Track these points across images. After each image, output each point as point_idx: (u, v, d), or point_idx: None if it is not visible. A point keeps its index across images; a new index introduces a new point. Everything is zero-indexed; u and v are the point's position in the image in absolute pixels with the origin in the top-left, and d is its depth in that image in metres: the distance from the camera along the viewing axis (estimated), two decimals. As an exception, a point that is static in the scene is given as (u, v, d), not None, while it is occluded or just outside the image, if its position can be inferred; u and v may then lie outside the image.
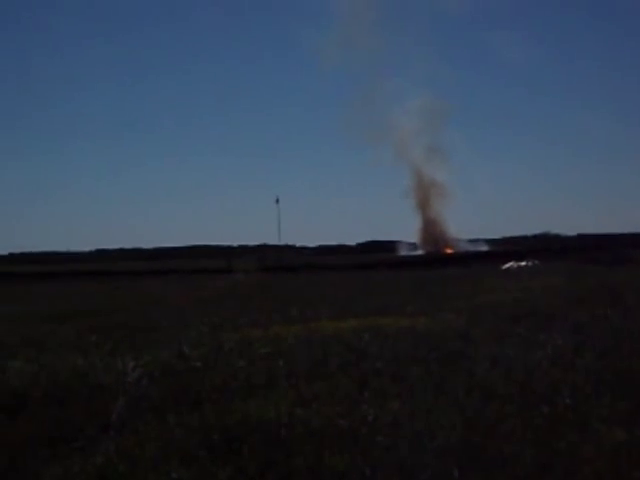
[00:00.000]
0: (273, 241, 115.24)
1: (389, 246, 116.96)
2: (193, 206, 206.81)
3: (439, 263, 67.53)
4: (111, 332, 18.47)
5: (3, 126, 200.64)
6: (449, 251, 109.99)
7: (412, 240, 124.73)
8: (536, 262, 59.79)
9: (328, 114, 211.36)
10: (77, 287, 51.88)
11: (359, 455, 7.16)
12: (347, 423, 8.17)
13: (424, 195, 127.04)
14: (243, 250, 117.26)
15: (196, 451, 7.53)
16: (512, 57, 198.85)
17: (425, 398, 9.27)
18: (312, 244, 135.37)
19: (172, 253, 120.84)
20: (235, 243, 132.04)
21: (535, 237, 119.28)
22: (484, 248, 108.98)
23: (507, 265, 57.52)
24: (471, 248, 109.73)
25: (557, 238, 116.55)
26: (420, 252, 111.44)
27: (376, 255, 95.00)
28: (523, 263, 59.36)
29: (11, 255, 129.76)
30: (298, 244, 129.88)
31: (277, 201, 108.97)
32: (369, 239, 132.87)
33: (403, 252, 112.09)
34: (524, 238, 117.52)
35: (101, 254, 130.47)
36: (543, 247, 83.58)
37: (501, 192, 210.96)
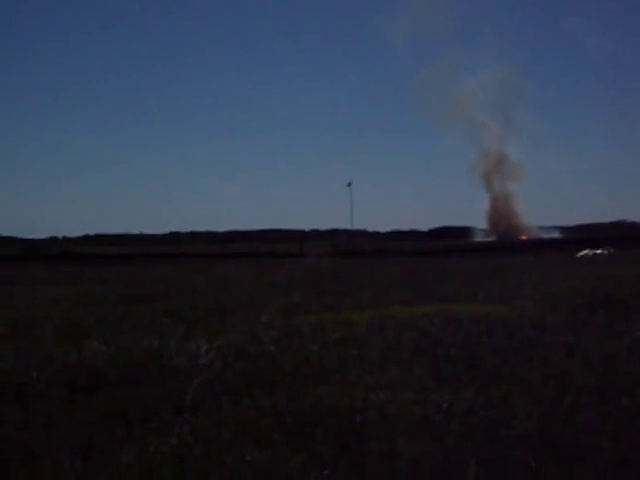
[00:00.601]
0: (345, 226, 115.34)
1: (460, 232, 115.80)
2: (266, 190, 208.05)
3: (513, 250, 66.66)
4: (184, 315, 18.66)
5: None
6: (523, 238, 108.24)
7: (483, 226, 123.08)
8: (612, 250, 58.67)
9: (402, 98, 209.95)
10: (151, 269, 52.65)
11: (433, 442, 7.09)
12: (421, 410, 8.10)
13: (492, 171, 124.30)
14: (315, 234, 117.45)
15: (270, 434, 7.54)
16: (591, 44, 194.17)
17: (500, 386, 9.13)
18: (384, 229, 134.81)
19: (245, 236, 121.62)
20: (307, 227, 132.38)
21: (611, 225, 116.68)
22: (556, 235, 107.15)
23: (582, 253, 56.56)
24: (543, 235, 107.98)
25: (634, 226, 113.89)
26: (492, 238, 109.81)
27: (447, 241, 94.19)
28: (599, 251, 58.31)
29: (86, 237, 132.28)
30: (370, 229, 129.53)
31: (349, 185, 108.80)
32: (441, 225, 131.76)
33: (476, 238, 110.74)
34: (599, 225, 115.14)
35: (174, 236, 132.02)
36: (619, 235, 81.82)
37: (576, 179, 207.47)
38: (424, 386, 9.34)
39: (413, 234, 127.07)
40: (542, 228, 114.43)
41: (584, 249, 58.33)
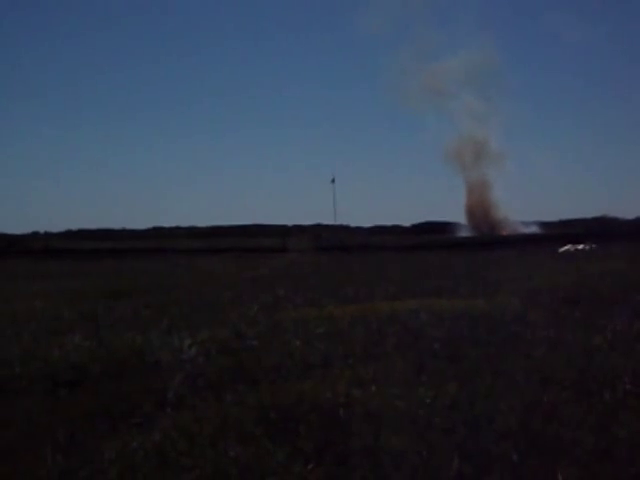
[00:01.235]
0: (328, 221, 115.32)
1: (444, 227, 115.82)
2: (249, 185, 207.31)
3: (493, 245, 66.87)
4: (167, 310, 18.62)
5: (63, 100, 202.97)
6: (503, 233, 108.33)
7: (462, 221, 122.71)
8: (594, 246, 58.95)
9: (382, 90, 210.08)
10: (134, 264, 52.51)
11: (417, 437, 7.11)
12: (404, 404, 8.12)
13: (468, 156, 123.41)
14: (298, 229, 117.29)
15: (253, 430, 7.54)
16: (570, 37, 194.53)
17: (483, 381, 9.16)
18: (367, 224, 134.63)
19: (228, 231, 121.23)
20: (290, 222, 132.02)
21: (593, 220, 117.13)
22: (536, 230, 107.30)
23: (564, 248, 56.82)
24: (524, 230, 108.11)
25: (615, 221, 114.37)
26: (472, 233, 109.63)
27: (431, 236, 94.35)
28: (580, 246, 58.59)
29: (68, 232, 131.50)
30: (353, 224, 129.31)
31: (333, 181, 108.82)
32: (424, 220, 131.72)
33: (459, 234, 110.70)
34: (581, 221, 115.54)
35: (157, 232, 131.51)
36: (601, 230, 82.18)
37: (557, 174, 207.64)
38: (407, 381, 9.36)
39: (396, 229, 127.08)
40: (523, 223, 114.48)
41: (566, 244, 58.58)
